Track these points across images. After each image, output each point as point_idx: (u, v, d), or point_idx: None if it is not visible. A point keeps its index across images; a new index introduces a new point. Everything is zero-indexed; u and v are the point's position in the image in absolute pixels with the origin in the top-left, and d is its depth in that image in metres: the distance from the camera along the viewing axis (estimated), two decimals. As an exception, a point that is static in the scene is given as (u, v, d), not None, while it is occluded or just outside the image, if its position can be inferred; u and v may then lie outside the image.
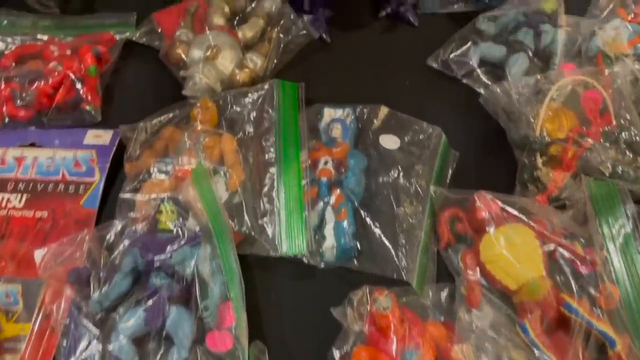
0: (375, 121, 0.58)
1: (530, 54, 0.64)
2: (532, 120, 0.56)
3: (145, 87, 0.64)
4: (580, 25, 0.65)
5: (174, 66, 0.63)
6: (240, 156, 0.55)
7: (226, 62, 0.62)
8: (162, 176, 0.53)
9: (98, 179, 0.55)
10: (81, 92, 0.60)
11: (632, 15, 0.64)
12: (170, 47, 0.63)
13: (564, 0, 0.66)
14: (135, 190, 0.53)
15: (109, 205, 0.54)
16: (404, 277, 0.47)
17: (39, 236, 0.52)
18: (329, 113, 0.59)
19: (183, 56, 0.62)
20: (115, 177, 0.56)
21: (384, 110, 0.58)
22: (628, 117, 0.57)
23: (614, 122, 0.57)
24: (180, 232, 0.48)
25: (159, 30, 0.66)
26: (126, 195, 0.52)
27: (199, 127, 0.56)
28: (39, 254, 0.49)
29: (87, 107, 0.60)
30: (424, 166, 0.55)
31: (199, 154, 0.54)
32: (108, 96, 0.63)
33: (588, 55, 0.65)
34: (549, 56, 0.64)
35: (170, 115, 0.57)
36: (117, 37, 0.66)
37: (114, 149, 0.57)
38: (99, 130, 0.59)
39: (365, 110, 0.59)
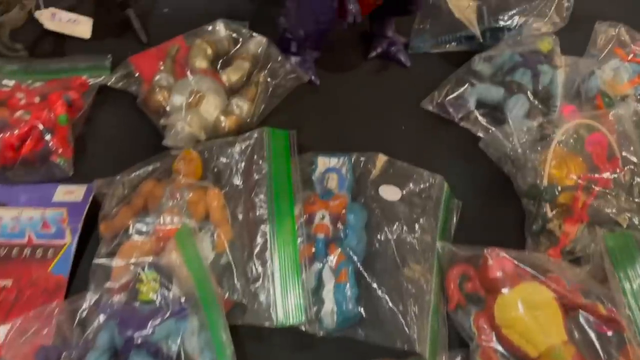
0: (373, 170, 0.54)
1: (529, 95, 0.61)
2: (538, 168, 0.53)
3: (121, 137, 0.59)
4: (578, 65, 0.63)
5: (153, 114, 0.58)
6: (228, 212, 0.50)
7: (210, 108, 0.57)
8: (142, 237, 0.48)
9: (69, 242, 0.50)
10: (50, 143, 0.54)
11: (632, 55, 0.63)
12: (149, 93, 0.58)
13: (559, 40, 0.64)
14: (112, 254, 0.47)
15: (81, 271, 0.49)
16: (416, 349, 0.42)
17: (2, 309, 0.46)
18: (323, 162, 0.55)
19: (163, 103, 0.58)
20: (88, 239, 0.51)
21: (381, 159, 0.55)
22: (636, 160, 0.55)
23: (623, 168, 0.54)
24: (163, 303, 0.43)
25: (137, 75, 0.61)
26: (101, 261, 0.47)
27: (182, 180, 0.51)
28: (1, 331, 0.43)
29: (57, 160, 0.55)
30: (428, 219, 0.51)
31: (182, 211, 0.49)
32: (80, 147, 0.57)
33: (587, 96, 0.63)
34: (548, 97, 0.61)
35: (150, 168, 0.52)
36: (91, 81, 0.62)
37: (87, 206, 0.51)
38: (70, 186, 0.53)
39: (361, 158, 0.55)
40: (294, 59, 0.64)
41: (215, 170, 0.53)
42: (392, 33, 0.68)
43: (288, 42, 0.64)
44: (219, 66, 0.63)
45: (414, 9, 0.63)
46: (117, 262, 0.46)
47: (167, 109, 0.57)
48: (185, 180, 0.51)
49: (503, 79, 0.63)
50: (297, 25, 0.60)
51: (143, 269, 0.44)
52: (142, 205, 0.50)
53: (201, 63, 0.61)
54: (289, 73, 0.61)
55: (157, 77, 0.59)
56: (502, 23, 0.65)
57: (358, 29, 0.70)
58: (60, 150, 0.55)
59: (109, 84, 0.62)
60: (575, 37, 0.65)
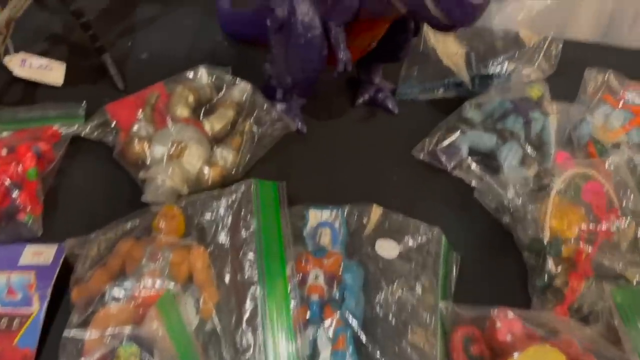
0: (367, 224, 0.51)
1: (522, 142, 0.60)
2: (539, 219, 0.51)
3: (96, 192, 0.55)
4: (569, 112, 0.63)
5: (131, 166, 0.54)
6: (214, 274, 0.46)
7: (193, 159, 0.54)
8: (119, 304, 0.44)
9: (37, 310, 0.45)
10: (18, 200, 0.50)
11: (622, 102, 0.62)
12: (127, 144, 0.55)
13: (549, 86, 0.63)
14: (85, 323, 0.43)
15: (51, 343, 0.44)
16: None
17: (-42, 391, 0.41)
18: (315, 216, 0.52)
19: (142, 154, 0.54)
20: (59, 306, 0.46)
21: (376, 211, 0.52)
22: (635, 209, 0.53)
23: (623, 218, 0.53)
24: (144, 382, 0.38)
25: (113, 124, 0.58)
26: (73, 332, 0.42)
27: (163, 239, 0.47)
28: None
29: (25, 218, 0.50)
30: (429, 277, 0.48)
31: (164, 274, 0.45)
32: (51, 204, 0.53)
33: (579, 143, 0.62)
34: (541, 144, 0.60)
35: (128, 226, 0.48)
36: (63, 131, 0.58)
37: (58, 269, 0.47)
38: (39, 246, 0.49)
39: (355, 211, 0.52)
40: (279, 106, 0.62)
41: (200, 227, 0.49)
42: (379, 79, 0.66)
43: (273, 89, 0.61)
44: (201, 114, 0.60)
45: (403, 55, 0.61)
46: (90, 334, 0.42)
47: (147, 161, 0.54)
48: (167, 239, 0.47)
49: (494, 126, 0.61)
50: (284, 73, 0.57)
51: (121, 342, 0.40)
52: (119, 268, 0.46)
53: (183, 111, 0.58)
54: (276, 121, 0.59)
55: (135, 127, 0.56)
56: (490, 70, 0.64)
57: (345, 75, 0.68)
58: (28, 208, 0.50)
59: (82, 134, 0.58)
60: (564, 84, 0.64)
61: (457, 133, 0.61)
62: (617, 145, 0.60)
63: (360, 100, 0.66)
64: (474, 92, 0.65)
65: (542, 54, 0.64)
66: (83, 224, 0.49)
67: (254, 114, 0.59)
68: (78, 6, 0.60)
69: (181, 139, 0.55)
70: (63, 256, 0.48)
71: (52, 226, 0.51)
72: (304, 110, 0.64)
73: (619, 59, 0.68)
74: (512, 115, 0.61)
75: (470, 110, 0.62)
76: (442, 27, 0.46)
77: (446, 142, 0.61)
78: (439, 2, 0.43)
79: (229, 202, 0.50)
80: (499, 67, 0.64)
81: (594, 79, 0.62)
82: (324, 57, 0.54)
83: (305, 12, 0.53)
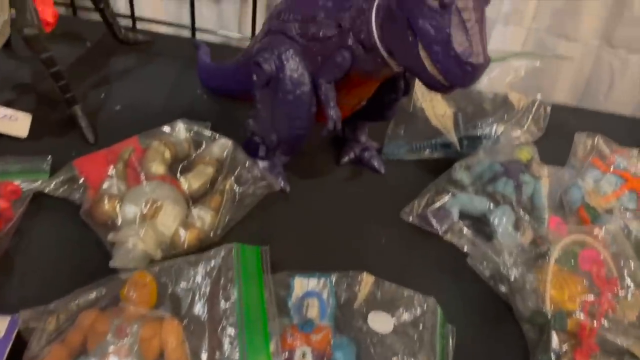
0: (358, 293, 0.47)
1: (514, 206, 0.57)
2: (539, 290, 0.48)
3: (58, 256, 0.49)
4: (559, 176, 0.61)
5: (99, 227, 0.50)
6: (188, 351, 0.41)
7: (168, 220, 0.50)
8: (79, 388, 0.38)
9: (-19, 395, 0.39)
10: (-32, 264, 0.45)
11: (612, 167, 0.61)
12: (96, 202, 0.50)
13: (538, 149, 0.62)
14: (37, 412, 0.37)
15: None
16: None
17: None
18: (301, 284, 0.47)
19: (113, 214, 0.49)
20: (8, 390, 0.40)
21: (367, 280, 0.48)
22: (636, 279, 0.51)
23: (623, 288, 0.50)
24: None
25: (81, 180, 0.53)
26: None
27: (133, 311, 0.42)
28: None
29: (-25, 285, 0.45)
30: (426, 352, 0.44)
31: (132, 352, 0.40)
32: (5, 268, 0.47)
33: (570, 207, 0.60)
34: (533, 209, 0.58)
35: (93, 295, 0.43)
36: (25, 187, 0.53)
37: (10, 345, 0.41)
38: (-11, 318, 0.43)
39: (344, 279, 0.48)
40: (262, 164, 0.58)
41: (174, 297, 0.44)
42: (366, 138, 0.64)
43: (256, 146, 0.58)
44: (178, 172, 0.56)
45: (391, 114, 0.60)
46: None
47: (117, 221, 0.49)
48: (137, 310, 0.42)
49: (484, 188, 0.59)
50: (269, 129, 0.54)
51: None
52: (79, 344, 0.41)
53: (158, 168, 0.54)
54: (258, 180, 0.55)
55: (105, 184, 0.52)
56: (479, 131, 0.63)
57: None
58: (-21, 273, 0.45)
59: (46, 190, 0.53)
60: (554, 147, 0.63)
61: (448, 196, 0.59)
62: (609, 211, 0.59)
63: (346, 159, 0.64)
64: (462, 153, 0.64)
65: (530, 117, 0.63)
66: (41, 293, 0.43)
67: (235, 172, 0.55)
68: (49, 54, 0.56)
69: (156, 198, 0.50)
70: (16, 330, 0.42)
71: (5, 294, 0.45)
72: (287, 169, 0.61)
73: (605, 124, 0.68)
74: (502, 178, 0.59)
75: (459, 172, 0.60)
76: (439, 88, 0.44)
77: (436, 205, 0.58)
78: (438, 62, 0.42)
79: (207, 269, 0.45)
80: (488, 128, 0.63)
81: (583, 143, 0.61)
82: (313, 114, 0.52)
83: (295, 68, 0.50)
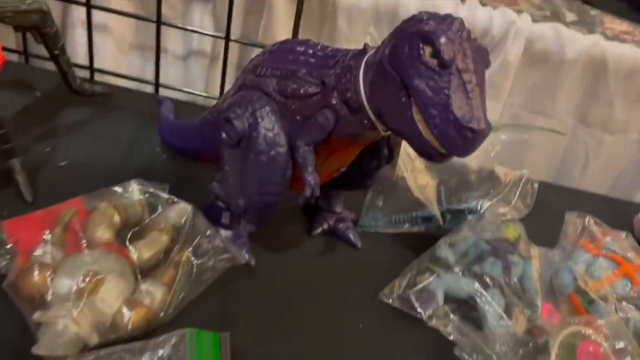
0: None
1: (503, 288, 0.52)
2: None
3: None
4: (549, 257, 0.57)
5: (24, 303, 0.41)
6: None
7: (111, 296, 0.42)
8: None
9: None
10: None
11: (602, 250, 0.57)
12: (24, 272, 0.42)
13: (525, 227, 0.58)
14: None
15: None
16: None
17: None
18: (266, 380, 0.40)
19: (43, 287, 0.41)
20: None
21: (345, 375, 0.41)
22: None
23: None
24: None
25: (9, 245, 0.45)
26: None
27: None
28: None
29: None
30: None
31: None
32: None
33: (562, 292, 0.56)
34: (524, 292, 0.53)
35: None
36: (-61, 251, 0.44)
37: None
38: None
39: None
40: (224, 233, 0.52)
41: (110, 395, 0.36)
42: (341, 208, 0.59)
43: (219, 212, 0.52)
44: (127, 239, 0.48)
45: (370, 183, 0.54)
46: None
47: (47, 296, 0.41)
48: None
49: (469, 268, 0.54)
50: (237, 194, 0.48)
51: None
52: None
53: (104, 234, 0.47)
54: (220, 251, 0.48)
55: (38, 251, 0.44)
56: (463, 205, 0.58)
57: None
58: None
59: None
60: (542, 226, 0.59)
61: (432, 276, 0.53)
62: (603, 298, 0.54)
63: (319, 230, 0.58)
64: (445, 228, 0.59)
65: (517, 193, 0.59)
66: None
67: (194, 242, 0.48)
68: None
69: (97, 270, 0.43)
70: None
71: None
72: (253, 240, 0.54)
73: (589, 204, 0.65)
74: (489, 258, 0.54)
75: (444, 249, 0.55)
76: (434, 156, 0.39)
77: (419, 286, 0.52)
78: (435, 126, 0.37)
79: (155, 358, 0.37)
80: (473, 203, 0.58)
81: (573, 223, 0.57)
82: (287, 179, 0.46)
83: (270, 127, 0.45)
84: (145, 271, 0.46)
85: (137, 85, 0.80)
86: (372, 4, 0.75)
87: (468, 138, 0.37)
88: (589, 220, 0.57)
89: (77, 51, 0.81)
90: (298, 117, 0.45)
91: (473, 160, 0.59)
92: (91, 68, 0.75)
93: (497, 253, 0.54)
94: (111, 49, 0.83)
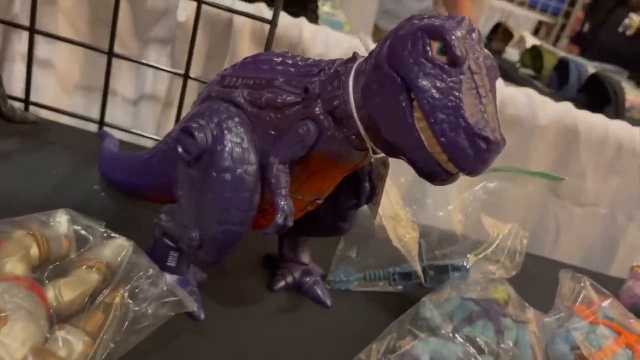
0: None
1: (499, 354, 0.44)
2: None
3: None
4: (544, 323, 0.50)
5: None
6: None
7: (14, 342, 0.32)
8: None
9: None
10: None
11: (600, 317, 0.51)
12: None
13: (514, 288, 0.51)
14: None
15: None
16: None
17: None
18: None
19: None
20: None
21: None
22: None
23: None
24: None
25: None
26: None
27: None
28: None
29: None
30: None
31: None
32: None
33: (560, 363, 0.48)
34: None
35: None
36: None
37: None
38: None
39: None
40: (170, 278, 0.42)
41: None
42: (309, 259, 0.51)
43: (166, 252, 0.43)
44: (46, 276, 0.38)
45: (345, 228, 0.47)
46: None
47: None
48: None
49: (458, 331, 0.46)
50: (191, 226, 0.39)
51: None
52: None
53: (16, 267, 0.37)
54: (164, 295, 0.39)
55: None
56: (447, 261, 0.52)
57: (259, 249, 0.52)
58: None
59: None
60: (531, 286, 0.53)
61: (417, 341, 0.45)
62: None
63: (282, 284, 0.49)
64: (425, 287, 0.51)
65: (507, 250, 0.53)
66: None
67: (131, 282, 0.39)
68: None
69: (1, 308, 0.32)
70: None
71: None
72: (204, 292, 0.45)
73: (586, 258, 0.60)
74: (480, 321, 0.47)
75: (429, 310, 0.47)
76: (437, 175, 0.33)
77: (401, 351, 0.44)
78: (443, 134, 0.31)
79: None
80: (457, 259, 0.52)
81: (568, 285, 0.51)
82: (255, 206, 0.38)
83: (238, 141, 0.38)
84: (64, 316, 0.36)
85: (81, 124, 0.72)
86: (343, 54, 0.72)
87: (481, 150, 0.31)
88: (586, 283, 0.52)
89: (14, 87, 0.73)
90: (273, 132, 0.38)
91: (457, 213, 0.53)
92: (27, 100, 0.66)
93: (488, 315, 0.47)
94: (54, 87, 0.76)
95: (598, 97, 1.61)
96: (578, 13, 3.47)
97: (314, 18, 1.00)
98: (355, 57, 0.37)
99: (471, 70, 0.31)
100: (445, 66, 0.31)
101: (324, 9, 1.44)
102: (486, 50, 0.34)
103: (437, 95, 0.31)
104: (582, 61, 1.87)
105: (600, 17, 2.39)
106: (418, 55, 0.31)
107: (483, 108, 0.31)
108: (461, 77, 0.31)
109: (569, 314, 0.51)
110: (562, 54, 2.00)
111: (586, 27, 2.55)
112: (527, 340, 0.48)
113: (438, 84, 0.31)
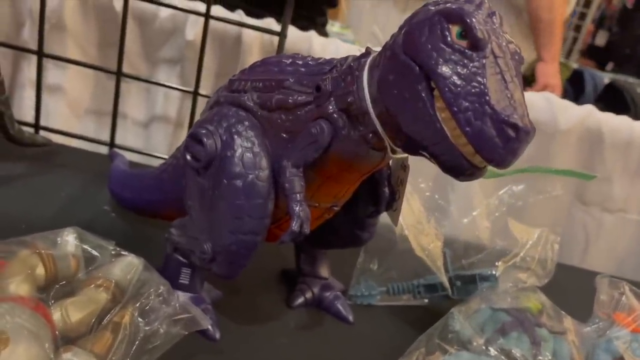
0: None
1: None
2: None
3: None
4: (583, 334, 0.46)
5: None
6: None
7: (14, 366, 0.29)
8: None
9: None
10: None
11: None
12: None
13: (547, 296, 0.48)
14: None
15: None
16: None
17: None
18: None
19: None
20: None
21: None
22: None
23: None
24: None
25: None
26: None
27: None
28: None
29: None
30: None
31: None
32: None
33: (603, 377, 0.45)
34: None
35: None
36: None
37: None
38: None
39: None
40: (182, 296, 0.40)
41: None
42: (328, 273, 0.48)
43: (178, 269, 0.41)
44: (51, 295, 0.36)
45: (366, 237, 0.44)
46: None
47: None
48: None
49: (491, 343, 0.43)
50: (202, 238, 0.37)
51: None
52: None
53: (20, 287, 0.35)
54: (176, 312, 0.36)
55: None
56: (475, 271, 0.49)
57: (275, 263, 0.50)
58: None
59: None
60: (564, 295, 0.50)
61: (445, 355, 0.42)
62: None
63: (301, 300, 0.46)
64: (453, 299, 0.49)
65: (537, 256, 0.50)
66: None
67: (141, 300, 0.37)
68: None
69: (2, 329, 0.30)
70: None
71: None
72: (219, 310, 0.42)
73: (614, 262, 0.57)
74: (514, 332, 0.44)
75: (458, 322, 0.44)
76: (463, 168, 0.30)
77: (431, 367, 0.41)
78: (467, 123, 0.29)
79: None
80: (485, 268, 0.49)
81: (606, 292, 0.48)
82: (269, 213, 0.36)
83: (248, 146, 0.36)
84: (71, 338, 0.34)
85: (92, 147, 0.71)
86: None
87: (510, 138, 0.28)
88: (625, 288, 0.48)
89: (25, 113, 0.72)
90: (284, 135, 0.36)
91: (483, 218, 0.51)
92: (37, 124, 0.66)
93: (522, 325, 0.44)
94: (64, 112, 0.75)
95: (615, 106, 1.58)
96: (588, 26, 3.45)
97: (323, 32, 0.99)
98: (368, 51, 0.35)
99: (494, 53, 0.29)
100: (466, 50, 0.29)
101: (333, 29, 1.44)
102: (508, 36, 0.32)
103: (459, 82, 0.29)
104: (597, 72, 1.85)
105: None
106: (436, 40, 0.30)
107: (509, 93, 0.29)
108: (484, 61, 0.29)
109: (609, 322, 0.48)
110: (575, 65, 1.97)
111: (600, 40, 2.54)
112: (565, 351, 0.44)
113: (459, 70, 0.29)
